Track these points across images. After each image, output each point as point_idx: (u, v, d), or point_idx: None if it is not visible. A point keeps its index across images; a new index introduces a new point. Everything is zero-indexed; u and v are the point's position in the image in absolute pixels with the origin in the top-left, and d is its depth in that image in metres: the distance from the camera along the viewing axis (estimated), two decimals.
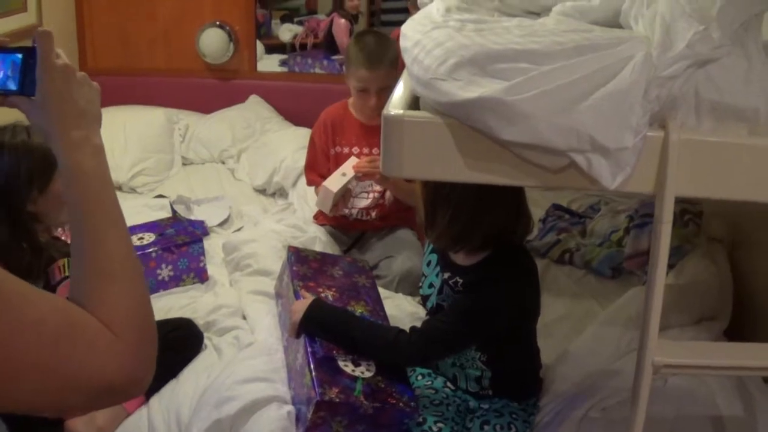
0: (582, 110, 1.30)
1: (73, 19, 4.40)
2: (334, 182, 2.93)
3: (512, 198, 1.97)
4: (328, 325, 2.13)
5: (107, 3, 4.41)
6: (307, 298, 2.21)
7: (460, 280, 2.07)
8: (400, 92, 1.55)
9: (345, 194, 3.01)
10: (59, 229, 2.29)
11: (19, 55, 1.07)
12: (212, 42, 4.36)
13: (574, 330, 2.67)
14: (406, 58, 1.54)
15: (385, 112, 1.41)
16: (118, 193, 3.53)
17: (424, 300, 2.24)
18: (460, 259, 2.09)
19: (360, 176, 2.98)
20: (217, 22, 4.37)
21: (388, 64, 2.97)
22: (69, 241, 2.20)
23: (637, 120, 1.32)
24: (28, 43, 1.09)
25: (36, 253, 2.10)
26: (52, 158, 2.03)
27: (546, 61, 1.35)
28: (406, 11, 4.28)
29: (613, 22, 1.60)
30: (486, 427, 2.08)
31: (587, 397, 2.18)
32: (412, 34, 1.59)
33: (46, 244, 2.15)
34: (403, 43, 1.62)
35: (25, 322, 0.83)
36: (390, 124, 1.40)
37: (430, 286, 2.20)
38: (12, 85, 1.07)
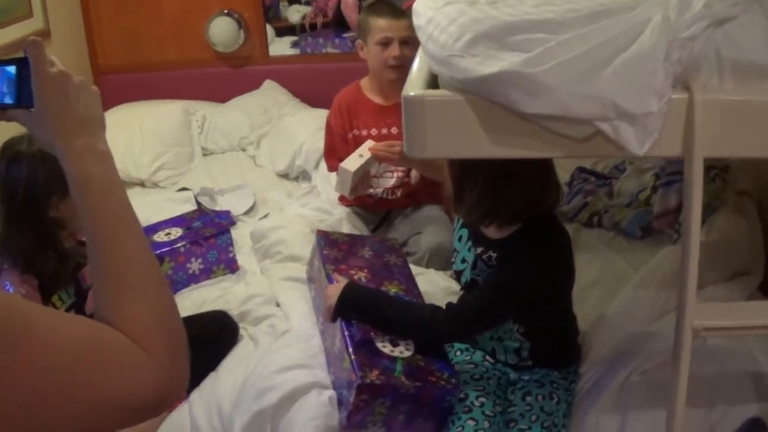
0: (604, 77, 1.28)
1: (80, 20, 4.39)
2: (352, 163, 2.91)
3: (540, 169, 1.95)
4: (363, 307, 2.13)
5: (113, 2, 4.40)
6: (341, 282, 2.21)
7: (494, 255, 2.06)
8: (416, 71, 1.53)
9: (364, 176, 2.98)
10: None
11: (12, 67, 1.04)
12: (222, 31, 4.34)
13: (608, 293, 2.65)
14: (421, 36, 1.53)
15: (404, 93, 1.40)
16: (141, 190, 3.55)
17: (458, 275, 2.24)
18: (491, 232, 2.08)
19: (378, 160, 2.97)
20: (225, 11, 4.35)
21: (410, 18, 2.94)
22: None
23: (661, 83, 1.31)
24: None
25: (62, 260, 2.11)
26: None
27: (562, 30, 1.33)
28: None
29: None
30: (528, 398, 2.08)
31: (626, 361, 2.17)
32: (424, 11, 1.57)
33: (72, 249, 2.16)
34: (416, 20, 1.60)
35: (54, 352, 0.82)
36: (410, 105, 1.39)
37: (463, 261, 2.19)
38: (8, 99, 1.04)
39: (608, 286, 2.73)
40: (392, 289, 2.30)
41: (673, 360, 1.61)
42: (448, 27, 1.41)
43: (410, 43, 2.95)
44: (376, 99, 3.15)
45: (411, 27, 2.91)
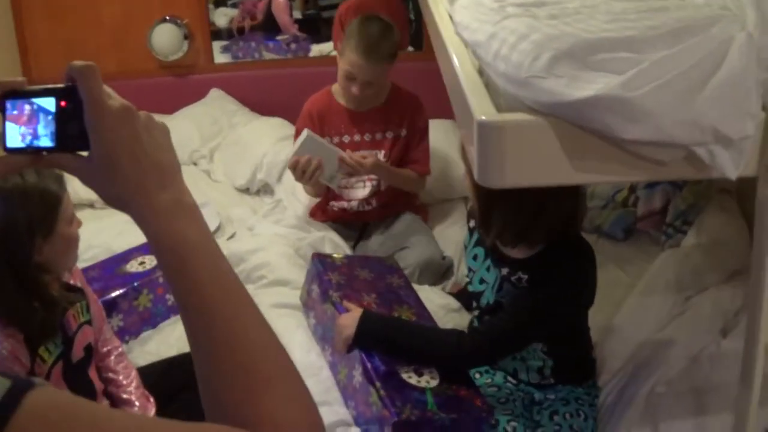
0: (702, 101, 1.20)
1: (12, 31, 4.11)
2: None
3: (572, 187, 1.87)
4: (384, 336, 2.01)
5: (47, 12, 4.12)
6: (354, 310, 2.08)
7: (524, 276, 1.97)
8: (474, 91, 1.41)
9: (339, 165, 2.89)
10: (66, 273, 2.07)
11: (50, 100, 0.83)
12: (164, 38, 4.12)
13: (607, 301, 2.60)
14: (481, 52, 1.41)
15: (476, 117, 1.29)
16: (92, 212, 3.32)
17: (475, 296, 2.14)
18: (514, 252, 1.99)
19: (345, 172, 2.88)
20: (167, 17, 4.14)
21: (385, 58, 2.86)
22: (79, 284, 2.03)
23: (755, 106, 1.24)
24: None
25: (49, 309, 1.86)
26: (51, 198, 1.82)
27: (646, 48, 1.25)
28: None
29: None
30: (556, 417, 2.02)
31: (648, 371, 2.13)
32: (477, 25, 1.46)
33: (59, 296, 1.92)
34: (469, 36, 1.49)
35: None
36: (487, 131, 1.27)
37: (482, 281, 2.09)
38: (47, 141, 0.83)
39: (604, 292, 2.66)
40: (404, 314, 2.19)
41: (741, 381, 1.54)
42: (519, 44, 1.30)
43: (373, 83, 2.91)
44: (349, 105, 3.03)
45: (381, 70, 2.88)
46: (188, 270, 0.79)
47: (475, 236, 2.14)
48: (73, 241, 1.92)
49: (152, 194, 0.81)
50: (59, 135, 0.82)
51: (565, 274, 1.91)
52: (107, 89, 0.82)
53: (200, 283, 0.79)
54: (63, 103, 0.83)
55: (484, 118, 1.28)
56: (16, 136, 0.84)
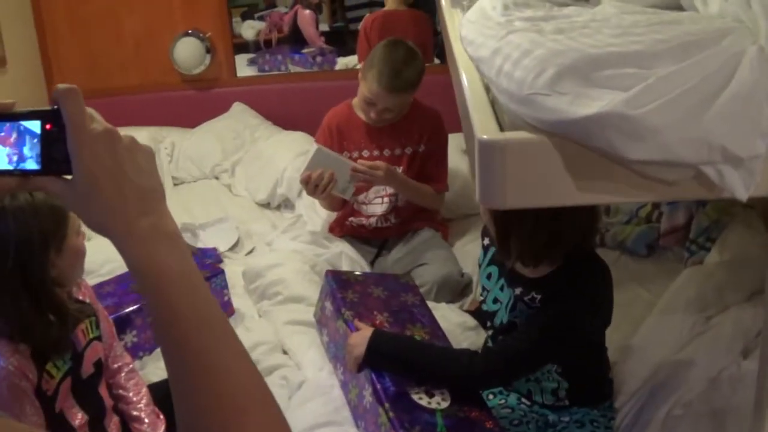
0: (710, 118, 1.15)
1: (36, 47, 4.16)
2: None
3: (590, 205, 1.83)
4: (395, 356, 1.98)
5: (70, 27, 4.16)
6: (365, 329, 2.05)
7: (537, 296, 1.93)
8: (478, 109, 1.38)
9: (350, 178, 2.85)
10: (75, 288, 2.06)
11: (36, 123, 0.82)
12: (187, 52, 4.14)
13: (626, 320, 2.54)
14: (485, 68, 1.38)
15: (477, 136, 1.25)
16: None
17: (489, 316, 2.10)
18: (527, 271, 1.95)
19: (359, 182, 2.85)
20: (190, 31, 4.16)
21: (407, 88, 2.84)
22: (87, 300, 2.02)
23: (767, 123, 1.19)
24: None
25: (64, 324, 1.86)
26: (60, 211, 1.83)
27: (654, 63, 1.20)
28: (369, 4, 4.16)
29: (672, 3, 1.47)
30: None
31: (666, 393, 2.08)
32: (482, 39, 1.43)
33: (73, 309, 1.92)
34: (474, 51, 1.46)
35: None
36: (487, 151, 1.23)
37: (495, 301, 2.05)
38: (33, 164, 0.82)
39: (625, 312, 2.62)
40: (416, 334, 2.15)
41: (755, 407, 1.49)
42: (522, 60, 1.26)
43: (393, 109, 2.89)
44: (368, 120, 3.01)
45: (401, 99, 2.86)
46: (164, 297, 0.78)
47: (489, 254, 2.10)
48: (81, 253, 1.92)
49: (132, 220, 0.79)
50: (44, 158, 0.82)
51: (581, 291, 1.87)
52: (92, 112, 0.80)
53: (176, 312, 0.78)
54: (48, 126, 0.82)
55: (485, 137, 1.24)
56: (2, 158, 0.83)
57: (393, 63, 2.78)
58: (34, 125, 0.82)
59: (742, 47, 1.20)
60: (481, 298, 2.15)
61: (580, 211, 1.80)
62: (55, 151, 0.81)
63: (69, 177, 0.80)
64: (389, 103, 2.85)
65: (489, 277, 2.09)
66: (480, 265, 2.16)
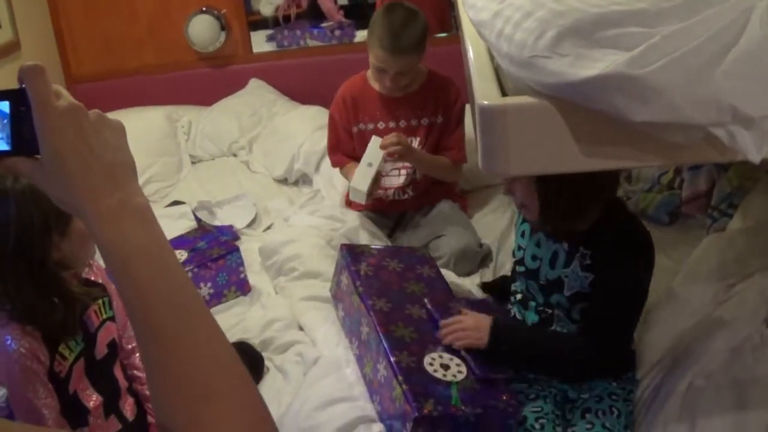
0: (718, 77, 1.11)
1: (50, 28, 4.14)
2: (362, 178, 2.75)
3: None
4: (515, 348, 1.99)
5: (84, 7, 4.13)
6: (481, 317, 2.03)
7: (587, 252, 1.95)
8: (480, 74, 1.34)
9: (377, 177, 2.82)
10: (86, 269, 2.05)
11: (5, 104, 0.80)
12: (202, 29, 4.10)
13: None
14: (486, 32, 1.34)
15: (478, 102, 1.22)
16: None
17: (531, 273, 2.08)
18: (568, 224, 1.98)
19: (388, 158, 2.79)
20: (204, 8, 4.12)
21: (411, 49, 2.78)
22: (100, 280, 2.01)
23: None
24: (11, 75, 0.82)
25: (69, 306, 1.85)
26: None
27: (659, 22, 1.16)
28: None
29: None
30: (588, 416, 1.94)
31: (687, 364, 2.03)
32: (483, 2, 1.39)
33: (79, 292, 1.91)
34: (475, 14, 1.42)
35: None
36: (489, 116, 1.20)
37: (534, 258, 2.06)
38: (4, 145, 0.80)
39: None
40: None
41: None
42: (523, 22, 1.22)
43: (405, 72, 2.85)
44: (383, 90, 2.97)
45: (410, 60, 2.81)
46: (134, 274, 0.76)
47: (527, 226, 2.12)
48: (89, 239, 1.89)
49: (100, 196, 0.77)
50: (14, 139, 0.80)
51: (636, 247, 1.96)
52: (58, 89, 0.78)
53: (146, 291, 0.76)
54: (17, 106, 0.80)
55: (485, 102, 1.21)
56: None
57: (391, 25, 2.75)
58: (3, 105, 0.80)
59: (751, 3, 1.16)
60: (518, 257, 2.13)
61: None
62: (24, 131, 0.79)
63: (39, 156, 0.78)
64: (398, 66, 2.80)
65: (523, 234, 2.10)
66: (516, 224, 2.19)
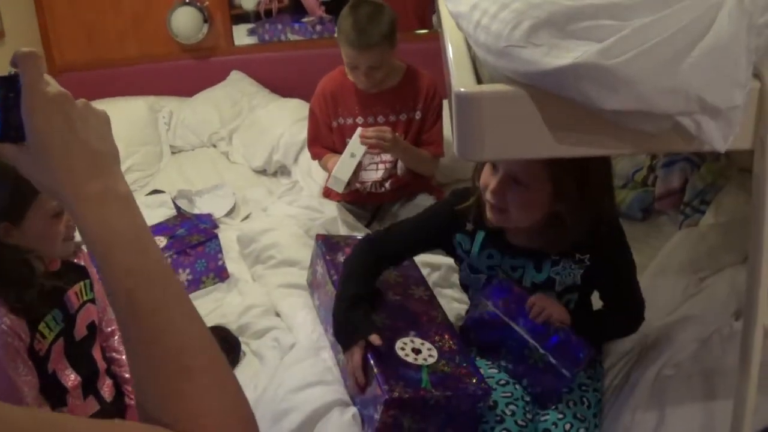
0: (686, 68, 1.15)
1: (34, 16, 4.15)
2: (344, 168, 2.78)
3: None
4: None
5: None
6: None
7: (584, 256, 2.00)
8: (457, 63, 1.38)
9: (357, 168, 2.86)
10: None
11: None
12: (184, 21, 4.13)
13: None
14: (464, 24, 1.37)
15: (454, 89, 1.25)
16: None
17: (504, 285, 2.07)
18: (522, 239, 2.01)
19: (369, 150, 2.83)
20: (187, 0, 4.14)
21: (380, 42, 2.81)
22: (83, 263, 2.03)
23: (744, 74, 1.19)
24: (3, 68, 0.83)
25: (25, 286, 1.84)
26: (27, 187, 1.80)
27: (631, 15, 1.20)
28: None
29: None
30: (559, 406, 1.96)
31: (656, 354, 2.08)
32: None
33: (51, 274, 1.93)
34: (453, 6, 1.45)
35: None
36: (465, 103, 1.24)
37: (514, 269, 2.07)
38: None
39: None
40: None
41: (740, 364, 1.49)
42: (499, 13, 1.26)
43: (377, 67, 2.88)
44: (362, 86, 3.00)
45: (379, 53, 2.85)
46: (115, 259, 0.78)
47: (479, 238, 2.07)
48: (50, 237, 1.89)
49: (82, 182, 0.79)
50: (4, 125, 0.81)
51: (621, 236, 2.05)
52: (48, 78, 0.80)
53: (126, 272, 0.78)
54: (5, 92, 0.81)
55: (462, 89, 1.24)
56: None
57: (357, 21, 2.79)
58: None
59: None
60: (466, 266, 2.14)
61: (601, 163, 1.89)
62: (12, 118, 0.80)
63: (25, 143, 0.80)
64: (368, 61, 2.84)
65: (490, 257, 2.07)
66: (462, 260, 2.15)
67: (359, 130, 2.86)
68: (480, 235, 2.07)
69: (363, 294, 2.06)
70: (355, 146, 2.80)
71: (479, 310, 2.09)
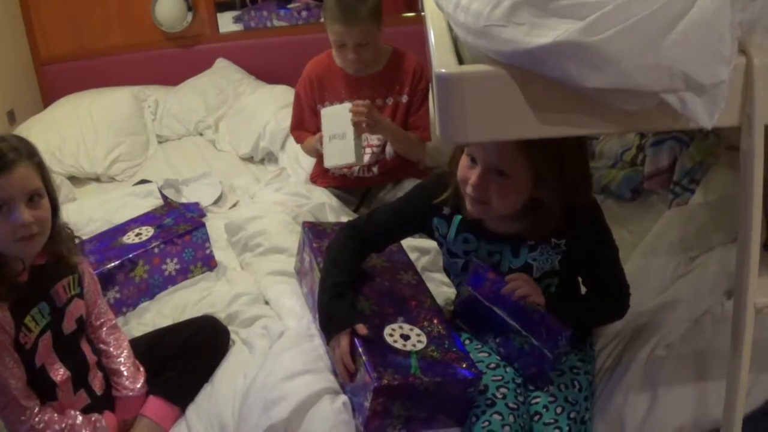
0: (669, 44, 1.14)
1: (18, 9, 4.12)
2: (347, 151, 2.78)
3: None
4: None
5: None
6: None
7: (560, 241, 1.96)
8: (439, 45, 1.36)
9: (358, 140, 2.85)
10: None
11: None
12: (169, 10, 4.10)
13: None
14: (444, 4, 1.36)
15: (435, 70, 1.23)
16: (98, 186, 3.42)
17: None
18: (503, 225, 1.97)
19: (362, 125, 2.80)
20: None
21: (367, 18, 2.78)
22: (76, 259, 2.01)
23: (729, 50, 1.18)
24: None
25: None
26: None
27: None
28: None
29: None
30: (550, 388, 1.95)
31: (648, 335, 2.07)
32: None
33: (37, 268, 1.92)
34: None
35: None
36: (446, 84, 1.22)
37: (491, 254, 2.03)
38: None
39: None
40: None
41: (732, 341, 1.48)
42: None
43: (366, 44, 2.86)
44: (348, 70, 2.98)
45: (367, 29, 2.81)
46: None
47: (455, 222, 2.05)
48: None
49: None
50: None
51: (599, 219, 1.99)
52: None
53: None
54: None
55: (443, 70, 1.22)
56: None
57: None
58: None
59: None
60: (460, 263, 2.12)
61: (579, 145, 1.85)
62: None
63: None
64: (356, 38, 2.82)
65: (467, 241, 2.05)
66: (442, 244, 2.12)
67: (326, 109, 2.85)
68: (456, 219, 2.04)
69: (347, 281, 2.04)
70: (342, 125, 2.76)
71: (462, 295, 2.08)
